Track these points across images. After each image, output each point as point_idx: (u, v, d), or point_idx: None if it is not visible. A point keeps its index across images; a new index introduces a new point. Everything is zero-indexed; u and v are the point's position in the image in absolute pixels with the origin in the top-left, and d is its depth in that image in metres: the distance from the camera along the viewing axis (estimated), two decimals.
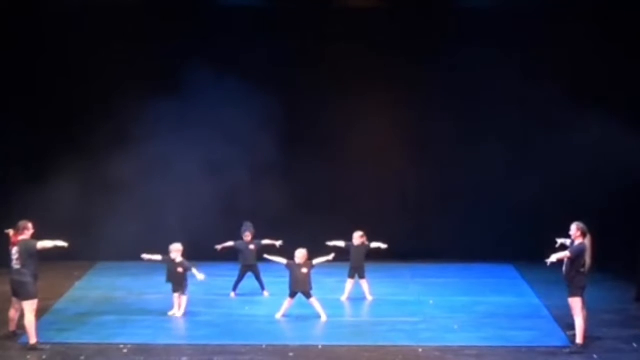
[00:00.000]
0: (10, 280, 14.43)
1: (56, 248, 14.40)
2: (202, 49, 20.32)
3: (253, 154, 20.23)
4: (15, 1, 20.27)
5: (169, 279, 16.35)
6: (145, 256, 16.38)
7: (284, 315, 16.07)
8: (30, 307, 14.23)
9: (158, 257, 16.37)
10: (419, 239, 20.80)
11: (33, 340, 14.21)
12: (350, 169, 20.78)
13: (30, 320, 14.20)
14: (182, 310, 16.19)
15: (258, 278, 17.83)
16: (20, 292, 14.30)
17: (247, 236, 17.70)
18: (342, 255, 17.62)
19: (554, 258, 14.08)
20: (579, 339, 14.27)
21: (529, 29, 20.22)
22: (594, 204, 19.26)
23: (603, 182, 19.88)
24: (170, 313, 16.20)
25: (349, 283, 17.58)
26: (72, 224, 19.49)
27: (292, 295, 16.05)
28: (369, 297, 17.51)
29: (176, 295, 16.25)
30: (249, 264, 17.71)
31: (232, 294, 17.79)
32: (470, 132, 20.75)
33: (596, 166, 19.75)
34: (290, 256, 16.19)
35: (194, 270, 16.24)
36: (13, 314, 14.76)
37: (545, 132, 20.56)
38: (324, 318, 15.95)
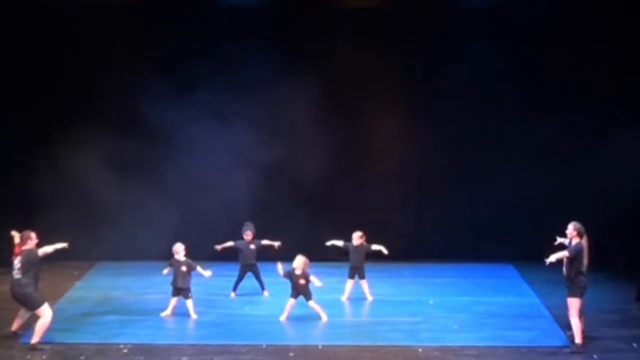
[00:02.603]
0: (12, 293, 14.42)
1: (57, 251, 14.45)
2: (201, 50, 20.36)
3: (253, 154, 20.24)
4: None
5: (172, 282, 16.29)
6: (164, 271, 16.40)
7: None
8: (43, 312, 14.31)
9: (167, 269, 16.36)
10: (419, 239, 20.81)
11: (36, 339, 14.25)
12: (351, 169, 20.78)
13: (44, 322, 14.26)
14: (194, 313, 16.13)
15: (258, 278, 17.83)
16: (27, 304, 14.38)
17: (248, 235, 17.69)
18: (341, 255, 17.66)
19: (553, 258, 14.09)
20: (577, 339, 14.27)
21: (534, 28, 20.21)
22: (594, 204, 19.27)
23: (603, 182, 19.88)
24: (162, 314, 16.17)
25: (349, 283, 17.58)
26: (72, 223, 19.52)
27: (295, 295, 16.05)
28: (369, 297, 17.51)
29: (175, 298, 16.22)
30: (249, 264, 17.71)
31: (233, 294, 17.79)
32: (470, 132, 20.75)
33: (596, 166, 19.75)
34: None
35: (199, 269, 16.23)
36: (22, 313, 14.69)
37: (545, 133, 20.55)
38: (324, 318, 15.95)
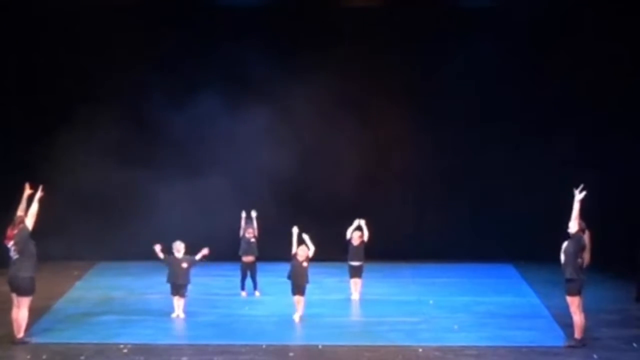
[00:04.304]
0: (10, 276, 14.37)
1: (40, 200, 14.37)
2: (200, 50, 20.39)
3: (253, 154, 20.26)
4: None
5: (169, 279, 16.28)
6: (157, 247, 16.18)
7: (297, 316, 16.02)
8: (27, 303, 14.32)
9: (161, 255, 16.27)
10: (419, 239, 20.80)
11: (22, 334, 14.31)
12: (351, 168, 20.75)
13: (25, 316, 14.29)
14: (182, 312, 16.12)
15: (253, 276, 17.80)
16: (20, 289, 14.29)
17: (250, 232, 17.70)
18: (342, 254, 17.68)
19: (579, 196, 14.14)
20: (576, 334, 14.31)
21: (534, 28, 20.21)
22: (594, 204, 19.24)
23: (603, 182, 19.84)
24: (173, 315, 16.14)
25: (352, 282, 17.57)
26: (72, 223, 19.53)
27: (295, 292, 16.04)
28: (356, 296, 17.44)
29: (176, 297, 16.21)
30: (249, 261, 17.67)
31: (243, 293, 17.73)
32: (471, 133, 20.75)
33: (596, 166, 19.74)
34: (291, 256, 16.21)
35: (198, 257, 16.15)
36: (15, 313, 14.59)
37: (545, 133, 20.55)
38: (297, 319, 15.91)
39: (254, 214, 17.89)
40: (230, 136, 20.10)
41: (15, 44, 20.33)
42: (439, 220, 20.86)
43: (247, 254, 17.72)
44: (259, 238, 17.84)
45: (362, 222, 17.52)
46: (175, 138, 20.34)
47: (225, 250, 18.81)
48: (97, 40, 20.27)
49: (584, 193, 14.29)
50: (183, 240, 16.44)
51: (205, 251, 16.18)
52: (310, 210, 20.16)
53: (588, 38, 20.10)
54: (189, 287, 16.35)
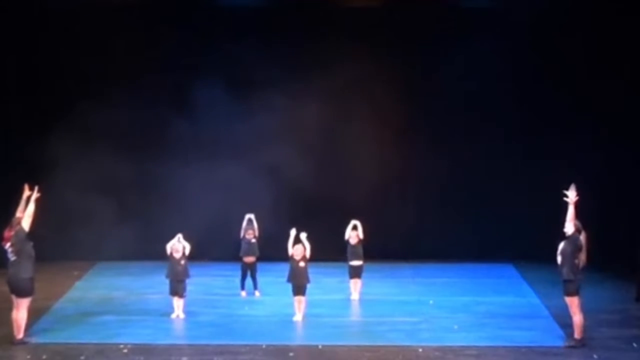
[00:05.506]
0: (9, 277, 14.36)
1: (37, 201, 14.32)
2: (200, 50, 20.39)
3: (252, 154, 20.25)
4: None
5: (168, 275, 16.29)
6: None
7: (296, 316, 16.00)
8: (26, 304, 14.31)
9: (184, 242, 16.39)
10: (419, 239, 20.80)
11: (22, 335, 14.31)
12: (351, 168, 20.77)
13: (24, 317, 14.29)
14: (182, 313, 16.13)
15: (253, 276, 17.81)
16: (19, 290, 14.29)
17: (250, 234, 17.72)
18: (341, 254, 17.67)
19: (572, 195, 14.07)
20: (576, 334, 14.32)
21: (534, 27, 20.21)
22: (595, 204, 19.26)
23: (603, 182, 19.87)
24: (173, 316, 16.14)
25: (352, 282, 17.57)
26: (72, 223, 19.54)
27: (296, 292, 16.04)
28: (356, 297, 17.46)
29: (175, 297, 16.22)
30: (250, 261, 17.69)
31: (243, 293, 17.74)
32: (471, 133, 20.76)
33: (597, 166, 19.75)
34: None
35: (186, 245, 16.20)
36: (15, 314, 14.58)
37: (546, 133, 20.56)
38: (299, 318, 15.92)
39: (252, 216, 17.88)
40: (230, 136, 20.09)
41: (15, 44, 20.33)
42: (439, 220, 20.86)
43: (248, 254, 17.73)
44: (259, 238, 17.85)
45: (357, 222, 17.54)
46: (175, 138, 20.34)
47: (225, 251, 18.87)
48: (97, 40, 20.28)
49: (574, 193, 14.22)
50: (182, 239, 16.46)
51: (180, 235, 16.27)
52: (310, 210, 20.19)
53: (588, 38, 20.09)
54: (188, 287, 16.36)
